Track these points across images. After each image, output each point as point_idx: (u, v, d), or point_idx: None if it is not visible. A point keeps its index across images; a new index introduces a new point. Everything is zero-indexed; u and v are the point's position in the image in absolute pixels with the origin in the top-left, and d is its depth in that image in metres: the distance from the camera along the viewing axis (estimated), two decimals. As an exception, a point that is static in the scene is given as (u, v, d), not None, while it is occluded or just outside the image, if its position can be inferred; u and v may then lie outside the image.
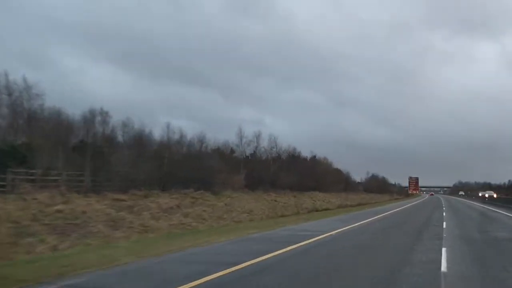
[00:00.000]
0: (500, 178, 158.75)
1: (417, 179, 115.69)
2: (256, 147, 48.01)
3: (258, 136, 47.57)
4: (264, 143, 49.01)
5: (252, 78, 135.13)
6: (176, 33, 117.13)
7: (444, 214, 31.20)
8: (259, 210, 28.33)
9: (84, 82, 72.96)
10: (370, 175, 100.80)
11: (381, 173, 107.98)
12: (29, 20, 76.87)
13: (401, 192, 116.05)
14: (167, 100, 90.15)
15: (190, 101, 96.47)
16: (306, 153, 60.57)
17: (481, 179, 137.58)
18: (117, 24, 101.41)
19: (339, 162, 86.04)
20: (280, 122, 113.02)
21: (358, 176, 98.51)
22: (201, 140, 38.81)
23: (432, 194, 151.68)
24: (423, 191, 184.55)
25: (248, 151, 47.87)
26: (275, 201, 35.60)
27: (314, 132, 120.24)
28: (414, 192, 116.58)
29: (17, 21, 71.28)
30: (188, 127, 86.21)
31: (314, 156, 58.83)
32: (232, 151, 45.65)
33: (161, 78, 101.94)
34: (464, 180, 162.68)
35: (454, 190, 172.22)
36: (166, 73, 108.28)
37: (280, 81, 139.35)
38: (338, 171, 79.02)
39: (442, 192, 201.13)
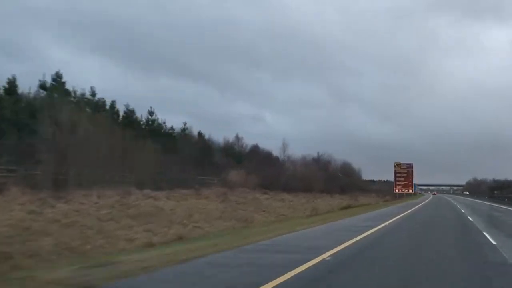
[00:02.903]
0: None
1: (409, 167, 63.55)
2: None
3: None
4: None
5: (247, 71, 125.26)
6: (165, 22, 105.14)
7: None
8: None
9: (69, 74, 47.59)
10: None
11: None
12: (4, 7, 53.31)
13: (388, 193, 65.42)
14: (159, 94, 79.46)
15: (183, 95, 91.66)
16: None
17: (501, 176, 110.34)
18: (101, 12, 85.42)
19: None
20: (277, 116, 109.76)
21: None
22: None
23: (435, 194, 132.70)
24: (429, 190, 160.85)
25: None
26: None
27: (313, 128, 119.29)
28: (405, 190, 64.43)
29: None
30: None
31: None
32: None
33: (151, 70, 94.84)
34: (480, 177, 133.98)
35: (467, 188, 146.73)
36: (156, 65, 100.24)
37: (277, 74, 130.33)
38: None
39: (452, 192, 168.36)
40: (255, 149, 56.23)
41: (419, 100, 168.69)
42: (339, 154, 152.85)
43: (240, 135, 55.25)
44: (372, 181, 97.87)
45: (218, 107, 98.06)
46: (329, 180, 51.75)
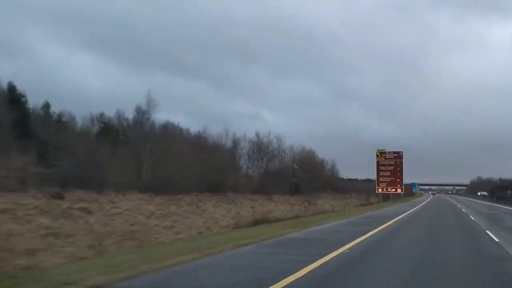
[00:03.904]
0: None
1: (398, 157, 45.60)
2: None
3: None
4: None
5: (243, 67, 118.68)
6: (158, 17, 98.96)
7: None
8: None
9: (61, 71, 53.59)
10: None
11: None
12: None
13: (374, 193, 47.50)
14: (154, 91, 55.10)
15: (178, 93, 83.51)
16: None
17: (506, 175, 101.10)
18: (91, 6, 78.24)
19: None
20: (274, 113, 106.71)
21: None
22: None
23: (434, 194, 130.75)
24: (430, 190, 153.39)
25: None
26: None
27: (312, 127, 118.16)
28: (392, 190, 46.13)
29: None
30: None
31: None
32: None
33: (146, 68, 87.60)
34: (484, 176, 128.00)
35: (471, 188, 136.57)
36: (150, 62, 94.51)
37: (274, 71, 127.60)
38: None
39: (455, 192, 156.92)
40: (166, 127, 38.22)
41: (420, 97, 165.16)
42: (338, 153, 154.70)
43: (144, 108, 37.43)
44: (369, 180, 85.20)
45: (216, 105, 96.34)
46: (272, 176, 33.73)
